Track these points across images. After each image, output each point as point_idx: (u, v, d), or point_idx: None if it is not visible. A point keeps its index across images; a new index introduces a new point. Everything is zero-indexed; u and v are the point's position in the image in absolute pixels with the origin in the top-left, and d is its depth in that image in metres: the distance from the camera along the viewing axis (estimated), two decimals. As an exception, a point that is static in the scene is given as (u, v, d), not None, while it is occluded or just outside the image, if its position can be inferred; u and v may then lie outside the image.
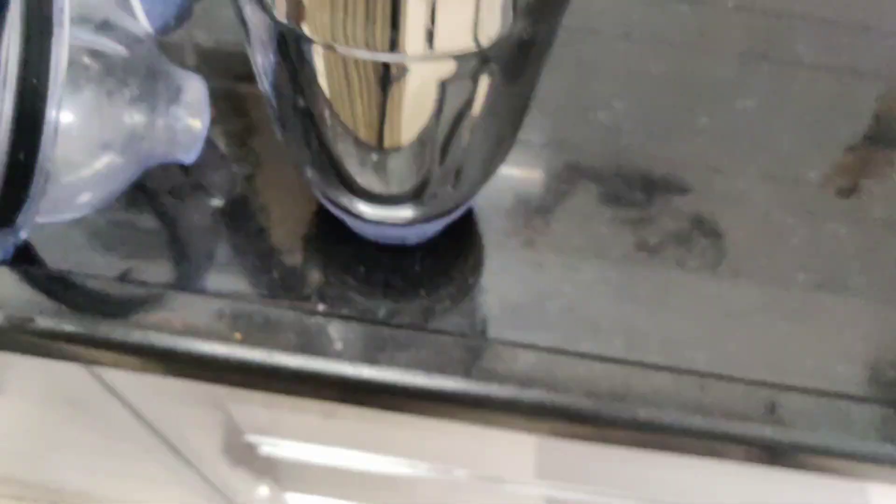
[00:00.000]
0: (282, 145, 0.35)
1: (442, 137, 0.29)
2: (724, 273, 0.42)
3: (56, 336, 0.36)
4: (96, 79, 0.33)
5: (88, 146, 0.34)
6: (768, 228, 0.43)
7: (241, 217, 0.41)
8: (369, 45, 0.23)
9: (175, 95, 0.39)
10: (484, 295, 0.40)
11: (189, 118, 0.40)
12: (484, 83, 0.26)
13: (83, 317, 0.36)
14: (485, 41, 0.23)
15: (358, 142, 0.29)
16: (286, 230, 0.41)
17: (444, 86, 0.25)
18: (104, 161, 0.35)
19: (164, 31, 0.41)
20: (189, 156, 0.40)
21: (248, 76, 0.40)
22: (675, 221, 0.43)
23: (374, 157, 0.30)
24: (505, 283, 0.40)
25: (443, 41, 0.23)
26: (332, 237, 0.40)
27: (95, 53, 0.33)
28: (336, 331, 0.37)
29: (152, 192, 0.41)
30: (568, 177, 0.44)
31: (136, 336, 0.36)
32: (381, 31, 0.22)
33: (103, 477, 0.94)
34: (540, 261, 0.41)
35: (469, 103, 0.27)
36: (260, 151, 0.43)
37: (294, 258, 0.40)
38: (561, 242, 0.42)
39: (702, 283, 0.41)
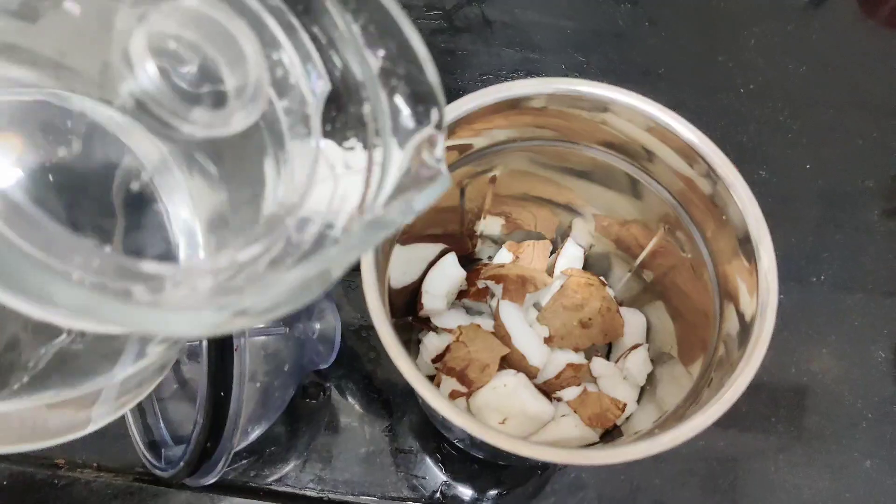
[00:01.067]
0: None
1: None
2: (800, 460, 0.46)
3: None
4: (264, 353, 0.39)
5: (257, 405, 0.39)
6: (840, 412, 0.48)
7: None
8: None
9: (311, 312, 0.44)
10: (584, 490, 0.45)
11: (324, 330, 0.45)
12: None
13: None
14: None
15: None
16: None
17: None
18: (269, 404, 0.41)
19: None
20: (327, 362, 0.46)
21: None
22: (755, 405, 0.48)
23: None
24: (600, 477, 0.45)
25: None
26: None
27: (260, 334, 0.38)
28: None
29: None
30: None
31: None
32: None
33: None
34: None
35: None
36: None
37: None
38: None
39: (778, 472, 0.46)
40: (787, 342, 0.49)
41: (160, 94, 0.19)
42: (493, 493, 0.45)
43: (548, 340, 0.38)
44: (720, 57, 0.58)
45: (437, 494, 0.44)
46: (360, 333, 0.48)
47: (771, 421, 0.47)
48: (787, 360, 0.49)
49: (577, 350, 0.39)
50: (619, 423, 0.37)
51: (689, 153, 0.31)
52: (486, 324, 0.39)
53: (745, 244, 0.30)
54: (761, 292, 0.28)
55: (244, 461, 0.44)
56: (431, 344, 0.39)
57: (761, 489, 0.45)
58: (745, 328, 0.29)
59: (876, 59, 0.59)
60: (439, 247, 0.41)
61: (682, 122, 0.31)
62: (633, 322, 0.38)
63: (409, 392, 0.47)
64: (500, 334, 0.37)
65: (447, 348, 0.38)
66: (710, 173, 0.31)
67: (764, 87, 0.57)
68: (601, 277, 0.40)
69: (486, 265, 0.42)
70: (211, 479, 0.38)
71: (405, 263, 0.36)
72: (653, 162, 0.33)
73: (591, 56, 0.58)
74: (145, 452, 0.40)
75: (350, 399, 0.47)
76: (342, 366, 0.47)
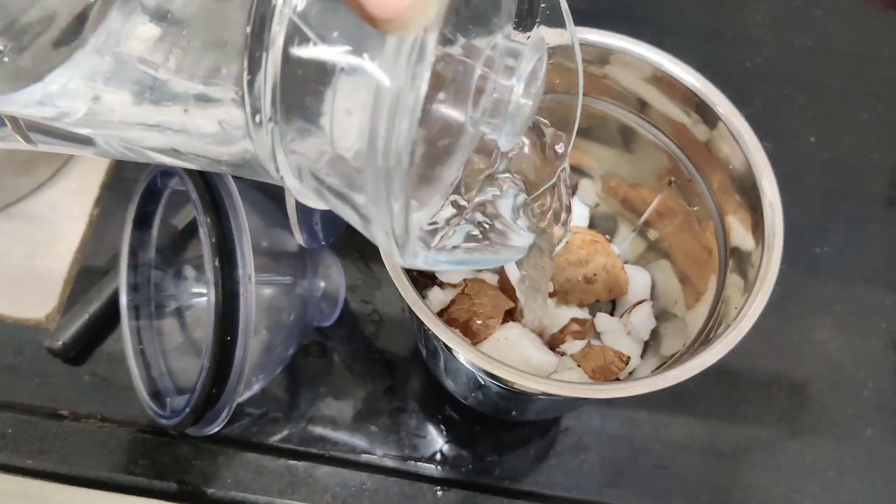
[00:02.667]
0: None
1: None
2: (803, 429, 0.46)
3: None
4: (268, 304, 0.39)
5: (261, 355, 0.39)
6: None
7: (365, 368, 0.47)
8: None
9: (316, 269, 0.45)
10: (585, 452, 0.45)
11: (329, 288, 0.45)
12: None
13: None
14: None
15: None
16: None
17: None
18: (272, 356, 0.41)
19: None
20: (330, 320, 0.46)
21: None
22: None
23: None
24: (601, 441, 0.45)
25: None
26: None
27: (265, 284, 0.39)
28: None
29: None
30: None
31: None
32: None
33: None
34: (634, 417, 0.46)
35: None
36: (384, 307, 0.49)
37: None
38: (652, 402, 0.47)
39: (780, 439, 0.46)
40: (791, 311, 0.49)
41: None
42: (494, 455, 0.45)
43: (552, 295, 0.38)
44: (727, 31, 0.58)
45: (438, 454, 0.44)
46: (363, 294, 0.48)
47: (773, 388, 0.47)
48: (790, 329, 0.49)
49: (581, 305, 0.39)
50: (622, 377, 0.37)
51: (690, 98, 0.31)
52: (492, 279, 0.39)
53: (750, 187, 0.30)
54: (766, 226, 0.28)
55: (246, 418, 0.44)
56: (436, 298, 0.39)
57: (762, 454, 0.45)
58: (750, 273, 0.29)
59: (881, 35, 0.59)
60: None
61: (684, 67, 0.31)
62: (637, 279, 0.38)
63: (411, 353, 0.47)
64: (505, 288, 0.38)
65: (452, 301, 0.38)
66: (711, 116, 0.31)
67: (769, 62, 0.57)
68: (606, 236, 0.40)
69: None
70: (215, 428, 0.39)
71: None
72: (654, 113, 0.34)
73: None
74: (149, 401, 0.40)
75: (352, 359, 0.47)
76: (345, 325, 0.47)
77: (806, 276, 0.51)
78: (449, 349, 0.28)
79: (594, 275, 0.38)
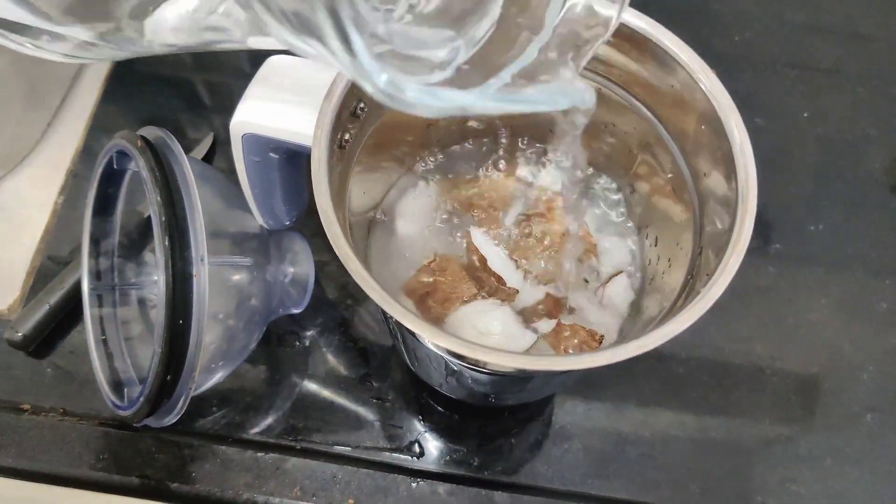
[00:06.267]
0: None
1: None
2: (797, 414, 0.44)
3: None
4: (227, 287, 0.37)
5: (220, 342, 0.38)
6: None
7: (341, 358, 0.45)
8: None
9: (283, 254, 0.43)
10: (569, 441, 0.43)
11: (297, 273, 0.43)
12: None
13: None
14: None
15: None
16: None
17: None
18: (234, 343, 0.39)
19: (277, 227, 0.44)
20: (299, 307, 0.44)
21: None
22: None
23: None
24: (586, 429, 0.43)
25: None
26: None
27: (222, 266, 0.37)
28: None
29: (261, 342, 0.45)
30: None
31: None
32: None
33: None
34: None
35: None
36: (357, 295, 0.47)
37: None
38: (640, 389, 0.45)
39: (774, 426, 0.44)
40: (784, 292, 0.47)
41: None
42: (472, 444, 0.43)
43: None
44: (714, 5, 0.56)
45: (416, 445, 0.43)
46: (336, 279, 0.47)
47: (766, 373, 0.45)
48: (784, 311, 0.47)
49: (543, 274, 0.36)
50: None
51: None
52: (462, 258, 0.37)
53: (720, 137, 0.28)
54: (739, 173, 0.26)
55: (214, 410, 0.43)
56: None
57: (754, 442, 0.43)
58: (719, 244, 0.27)
59: (874, 9, 0.57)
60: (401, 170, 0.39)
61: (634, 13, 0.29)
62: (614, 249, 0.36)
63: (387, 341, 0.45)
64: (474, 260, 0.36)
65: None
66: (669, 61, 0.29)
67: (759, 35, 0.55)
68: (580, 204, 0.38)
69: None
70: (173, 419, 0.37)
71: (365, 185, 0.35)
72: (628, 75, 0.32)
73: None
74: (108, 392, 0.38)
75: (326, 348, 0.45)
76: (318, 312, 0.46)
77: (800, 255, 0.49)
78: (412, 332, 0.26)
79: (551, 240, 0.36)
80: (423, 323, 0.24)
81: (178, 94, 0.54)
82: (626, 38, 0.30)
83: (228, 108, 0.54)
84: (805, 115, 0.53)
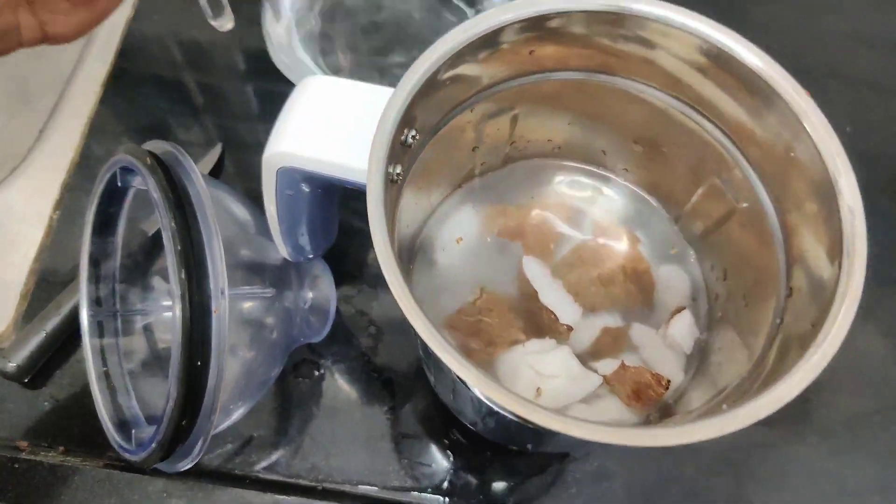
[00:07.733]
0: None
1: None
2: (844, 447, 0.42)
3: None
4: (246, 319, 0.34)
5: (239, 378, 0.34)
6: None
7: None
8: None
9: (303, 279, 0.39)
10: (609, 481, 0.40)
11: (318, 299, 0.40)
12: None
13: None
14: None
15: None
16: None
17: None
18: (253, 379, 0.36)
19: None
20: (320, 335, 0.41)
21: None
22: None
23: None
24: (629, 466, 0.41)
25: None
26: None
27: (243, 298, 0.34)
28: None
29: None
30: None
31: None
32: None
33: None
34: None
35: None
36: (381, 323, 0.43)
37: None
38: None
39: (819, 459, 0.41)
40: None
41: None
42: (506, 483, 0.40)
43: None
44: (753, 12, 0.54)
45: (445, 484, 0.39)
46: (358, 305, 0.43)
47: (812, 403, 0.43)
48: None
49: (594, 311, 0.33)
50: (671, 401, 0.32)
51: (749, 79, 0.27)
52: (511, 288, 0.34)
53: (820, 185, 0.25)
54: (846, 239, 0.23)
55: (229, 445, 0.39)
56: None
57: (803, 478, 0.41)
58: (821, 289, 0.24)
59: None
60: (443, 195, 0.36)
61: (743, 42, 0.26)
62: (674, 282, 0.33)
63: (414, 371, 0.42)
64: (525, 292, 0.32)
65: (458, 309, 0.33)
66: (776, 101, 0.26)
67: (798, 45, 0.53)
68: (635, 232, 0.35)
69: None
70: (188, 465, 0.34)
71: (408, 215, 0.32)
72: (701, 94, 0.29)
73: None
74: (114, 433, 0.35)
75: (347, 378, 0.42)
76: (338, 341, 0.42)
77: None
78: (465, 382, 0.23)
79: (611, 276, 0.33)
80: (496, 386, 0.21)
81: (181, 99, 0.51)
82: (724, 66, 0.27)
83: (238, 114, 0.51)
84: (848, 129, 0.50)
